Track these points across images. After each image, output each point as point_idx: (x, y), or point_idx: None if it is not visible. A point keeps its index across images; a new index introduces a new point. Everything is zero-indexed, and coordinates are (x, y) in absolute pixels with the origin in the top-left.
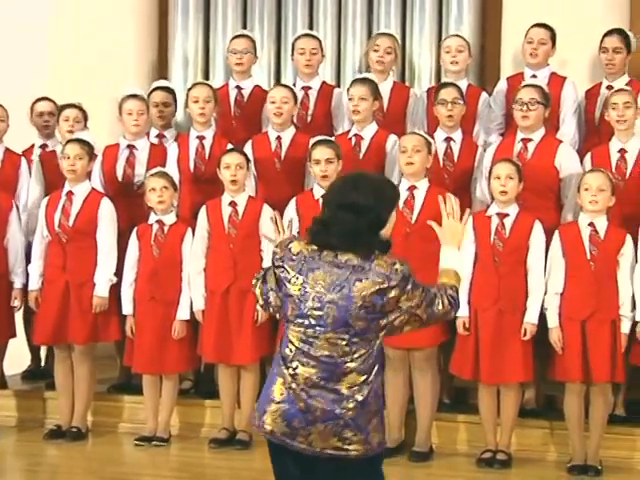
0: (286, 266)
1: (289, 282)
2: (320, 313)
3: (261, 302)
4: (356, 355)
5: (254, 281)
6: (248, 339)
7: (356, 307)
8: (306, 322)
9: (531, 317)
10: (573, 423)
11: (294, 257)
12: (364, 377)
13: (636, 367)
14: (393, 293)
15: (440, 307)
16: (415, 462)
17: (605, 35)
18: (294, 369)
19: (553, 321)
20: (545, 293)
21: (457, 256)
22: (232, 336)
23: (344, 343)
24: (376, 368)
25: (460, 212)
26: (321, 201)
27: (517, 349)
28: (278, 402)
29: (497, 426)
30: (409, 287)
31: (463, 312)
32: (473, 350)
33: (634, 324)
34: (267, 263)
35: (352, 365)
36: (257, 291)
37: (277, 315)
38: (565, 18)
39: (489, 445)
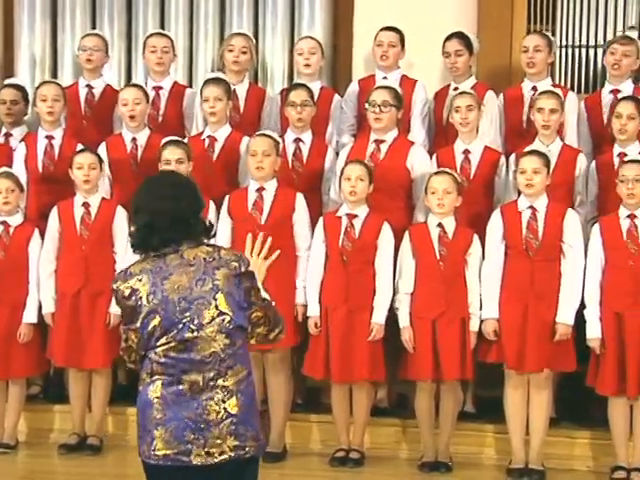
0: (137, 288)
1: (147, 301)
2: (190, 313)
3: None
4: (236, 346)
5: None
6: (100, 342)
7: (223, 295)
8: (179, 326)
9: (378, 317)
10: (424, 420)
11: (139, 276)
12: (247, 370)
13: (484, 364)
14: (245, 282)
15: (282, 324)
16: (269, 463)
17: (446, 40)
18: (176, 384)
19: (404, 320)
20: (396, 293)
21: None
22: (83, 339)
23: (223, 335)
24: (251, 363)
25: (268, 251)
26: (132, 213)
27: (366, 348)
28: (164, 424)
29: (350, 425)
30: (256, 283)
31: (314, 312)
32: (324, 350)
33: (482, 321)
34: (120, 265)
35: (235, 357)
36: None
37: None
38: (415, 21)
39: (342, 444)
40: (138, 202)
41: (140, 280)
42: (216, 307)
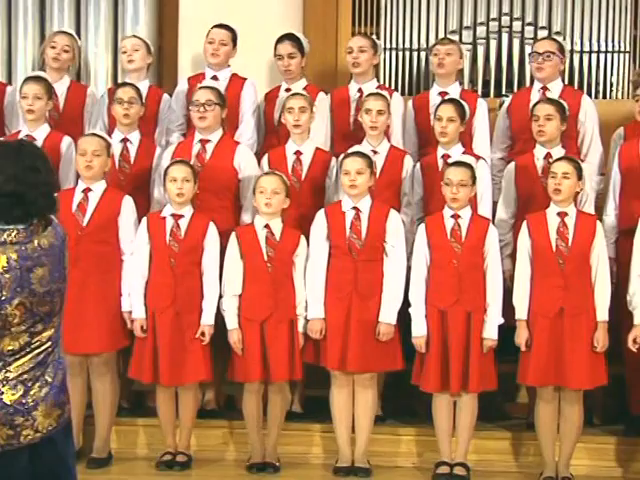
0: (2, 283)
1: (14, 297)
2: (50, 306)
3: None
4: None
5: None
6: None
7: (65, 283)
8: (37, 318)
9: (207, 318)
10: (252, 422)
11: (7, 269)
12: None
13: (311, 363)
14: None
15: None
16: (94, 469)
17: (277, 42)
18: (3, 371)
19: (232, 323)
20: (223, 295)
21: None
22: None
23: (58, 323)
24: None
25: None
26: None
27: (196, 349)
28: None
29: (176, 428)
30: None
31: (139, 315)
32: (151, 353)
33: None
34: None
35: (59, 341)
36: None
37: None
38: (240, 22)
39: (169, 447)
40: (3, 169)
41: (7, 272)
42: (62, 296)
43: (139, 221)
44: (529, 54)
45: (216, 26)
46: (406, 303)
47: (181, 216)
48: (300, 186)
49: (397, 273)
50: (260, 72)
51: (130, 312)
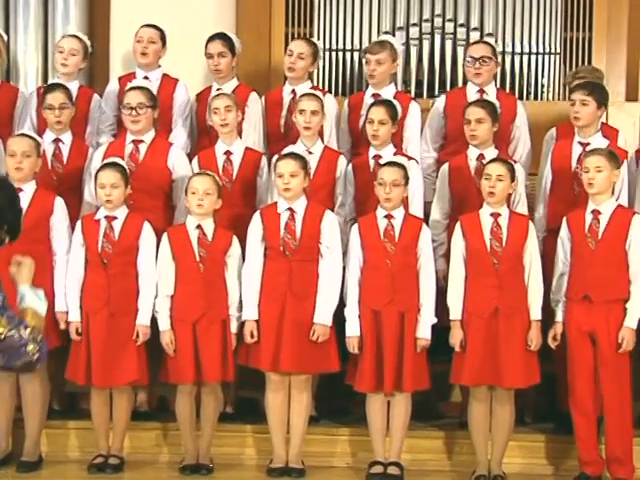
0: None
1: None
2: None
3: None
4: None
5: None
6: None
7: None
8: None
9: (142, 319)
10: (184, 423)
11: None
12: None
13: (244, 366)
14: None
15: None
16: (24, 472)
17: (208, 41)
18: None
19: (164, 324)
20: (155, 296)
21: (36, 294)
22: None
23: None
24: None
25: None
26: None
27: (130, 351)
28: None
29: (110, 430)
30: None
31: (75, 317)
32: (85, 355)
33: (242, 324)
34: None
35: None
36: None
37: None
38: (174, 21)
39: (101, 450)
40: None
41: None
42: None
43: (71, 221)
44: (464, 58)
45: (144, 25)
46: (342, 304)
47: (114, 218)
48: (231, 186)
49: (332, 274)
50: (193, 72)
51: (64, 312)
